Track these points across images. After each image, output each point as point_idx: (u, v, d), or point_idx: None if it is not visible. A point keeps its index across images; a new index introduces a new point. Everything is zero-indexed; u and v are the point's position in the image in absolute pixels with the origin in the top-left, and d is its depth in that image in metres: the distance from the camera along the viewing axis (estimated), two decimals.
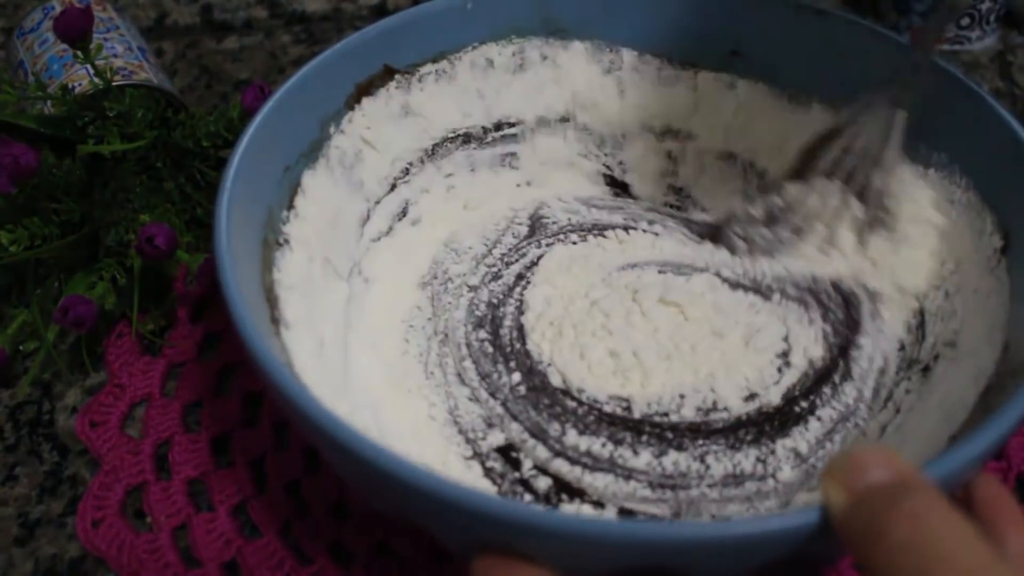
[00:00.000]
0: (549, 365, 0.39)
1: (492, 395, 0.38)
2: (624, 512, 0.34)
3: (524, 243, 0.45)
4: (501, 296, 0.42)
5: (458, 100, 0.45)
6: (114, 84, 0.44)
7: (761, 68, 0.44)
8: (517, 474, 0.35)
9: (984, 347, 0.33)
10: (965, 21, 0.59)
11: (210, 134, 0.45)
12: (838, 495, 0.23)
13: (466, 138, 0.46)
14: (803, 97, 0.43)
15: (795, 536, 0.24)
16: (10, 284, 0.44)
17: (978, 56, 0.60)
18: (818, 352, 0.39)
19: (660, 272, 0.42)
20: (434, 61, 0.44)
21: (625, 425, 0.36)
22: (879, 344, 0.39)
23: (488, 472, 0.36)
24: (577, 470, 0.35)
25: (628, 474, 0.35)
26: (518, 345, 0.40)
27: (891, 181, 0.40)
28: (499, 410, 0.37)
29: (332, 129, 0.41)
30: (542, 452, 0.36)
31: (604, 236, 0.45)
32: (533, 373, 0.39)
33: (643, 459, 0.35)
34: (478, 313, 0.41)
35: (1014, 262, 0.34)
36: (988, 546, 0.21)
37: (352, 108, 0.42)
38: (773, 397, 0.38)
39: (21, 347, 0.43)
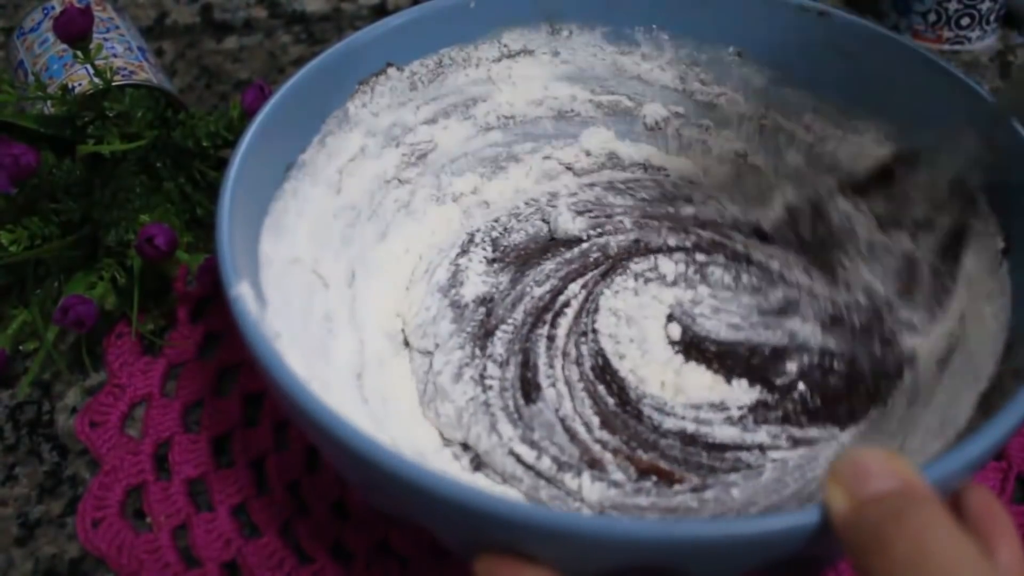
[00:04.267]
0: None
1: None
2: None
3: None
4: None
5: None
6: (114, 84, 0.44)
7: (763, 68, 0.44)
8: None
9: (985, 348, 0.33)
10: (965, 21, 0.59)
11: (210, 134, 0.45)
12: (841, 499, 0.23)
13: None
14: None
15: (795, 536, 0.24)
16: (10, 284, 0.44)
17: (978, 56, 0.60)
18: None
19: None
20: None
21: None
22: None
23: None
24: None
25: None
26: None
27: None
28: None
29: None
30: None
31: None
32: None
33: None
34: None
35: (1015, 264, 0.34)
36: (989, 565, 0.22)
37: None
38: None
39: (21, 347, 0.43)
